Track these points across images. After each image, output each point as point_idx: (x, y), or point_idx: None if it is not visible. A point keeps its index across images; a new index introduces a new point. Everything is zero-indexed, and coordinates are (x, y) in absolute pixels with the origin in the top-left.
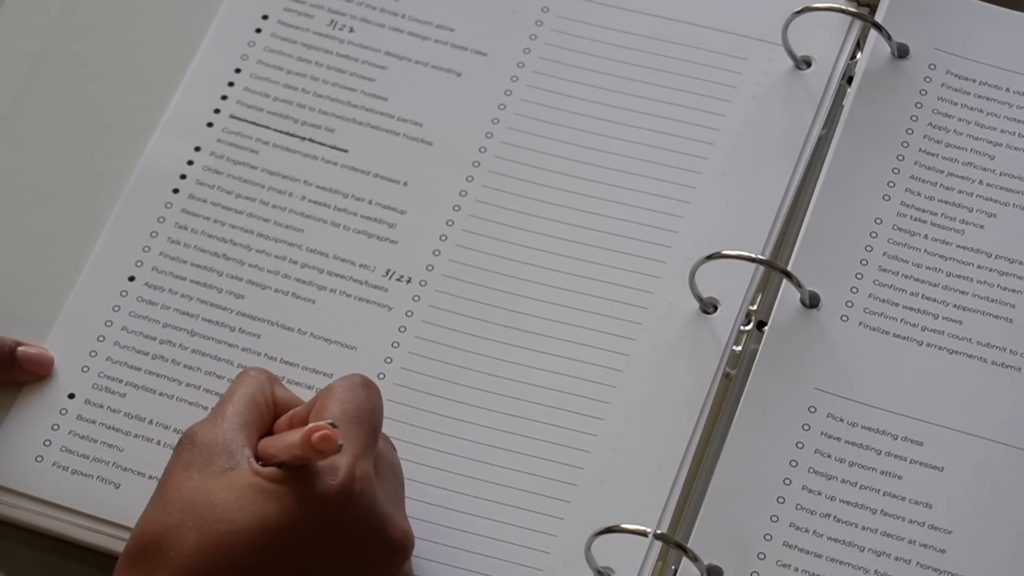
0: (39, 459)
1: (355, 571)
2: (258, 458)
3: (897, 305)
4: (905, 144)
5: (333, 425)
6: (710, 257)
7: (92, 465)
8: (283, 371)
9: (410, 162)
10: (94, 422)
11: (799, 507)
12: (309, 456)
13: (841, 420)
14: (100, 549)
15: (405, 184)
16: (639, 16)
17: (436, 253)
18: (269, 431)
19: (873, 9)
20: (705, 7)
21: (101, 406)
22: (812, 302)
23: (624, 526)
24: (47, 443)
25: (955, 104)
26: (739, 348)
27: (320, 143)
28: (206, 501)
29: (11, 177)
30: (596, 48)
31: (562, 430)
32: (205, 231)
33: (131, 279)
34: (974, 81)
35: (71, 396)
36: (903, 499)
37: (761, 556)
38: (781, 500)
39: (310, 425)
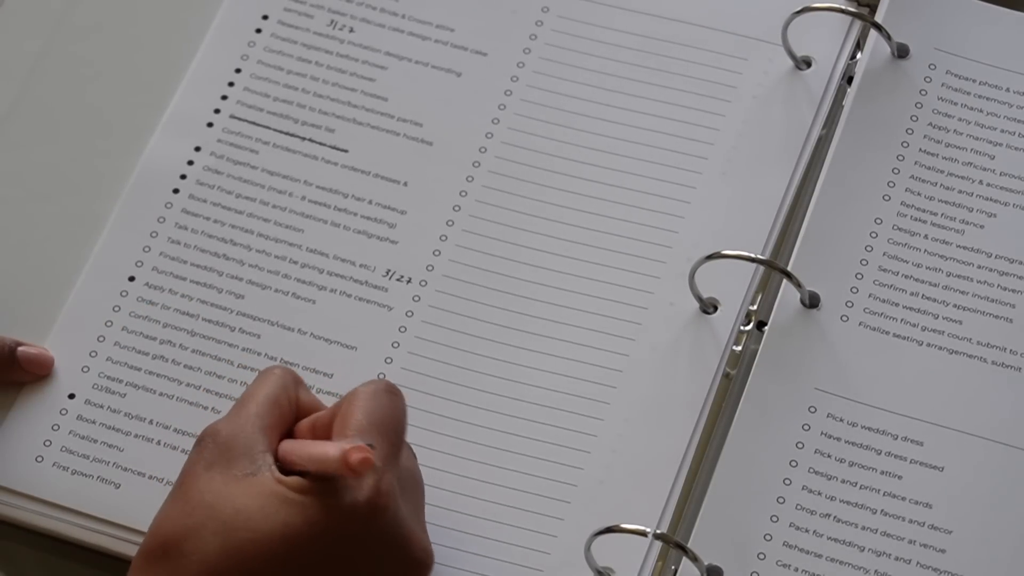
0: (39, 459)
1: None
2: (277, 461)
3: (897, 305)
4: (905, 144)
5: (371, 446)
6: (710, 257)
7: (92, 465)
8: None
9: (410, 162)
10: (94, 422)
11: (799, 507)
12: (344, 474)
13: (841, 420)
14: (100, 549)
15: (405, 184)
16: (639, 16)
17: (436, 253)
18: (289, 433)
19: (873, 9)
20: (705, 7)
21: (101, 406)
22: (812, 302)
23: (624, 526)
24: (47, 443)
25: (955, 104)
26: (739, 348)
27: (320, 143)
28: (229, 506)
29: (11, 177)
30: (596, 48)
31: (562, 430)
32: (205, 231)
33: (131, 279)
34: (974, 81)
35: (71, 396)
36: (903, 499)
37: (761, 556)
38: (781, 500)
39: (349, 445)
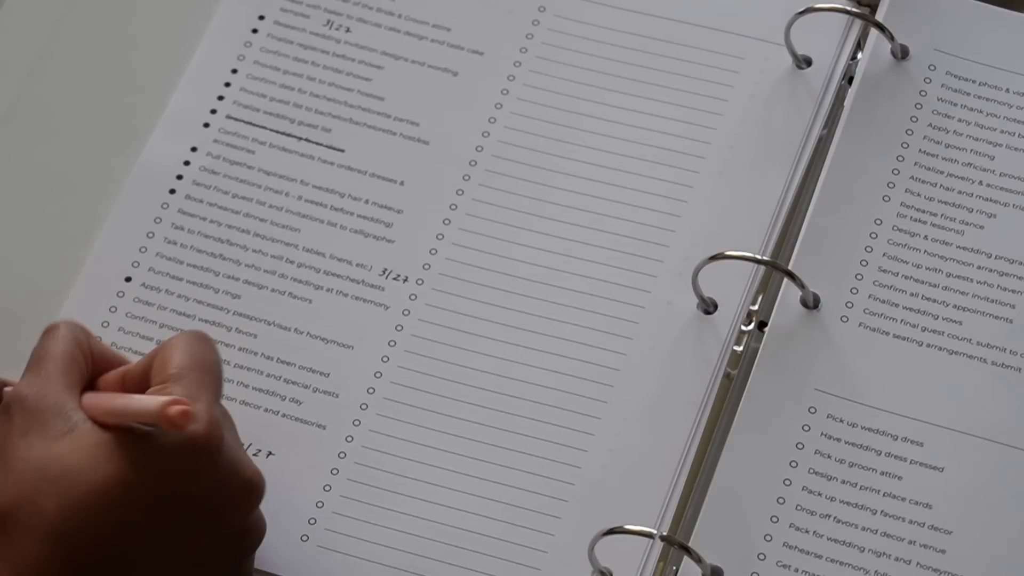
0: None
1: (216, 514)
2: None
3: (897, 306)
4: (905, 145)
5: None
6: (714, 258)
7: None
8: (280, 370)
9: (407, 161)
10: None
11: (799, 508)
12: (164, 428)
13: (841, 421)
14: None
15: (402, 183)
16: (635, 15)
17: (433, 252)
18: (91, 386)
19: (873, 10)
20: (702, 6)
21: None
22: (813, 303)
23: (629, 527)
24: None
25: (955, 105)
26: (740, 348)
27: (317, 143)
28: (56, 466)
29: (10, 177)
30: (593, 47)
31: (560, 429)
32: (201, 231)
33: (127, 280)
34: (974, 82)
35: None
36: (903, 500)
37: (761, 557)
38: (781, 501)
39: (168, 398)
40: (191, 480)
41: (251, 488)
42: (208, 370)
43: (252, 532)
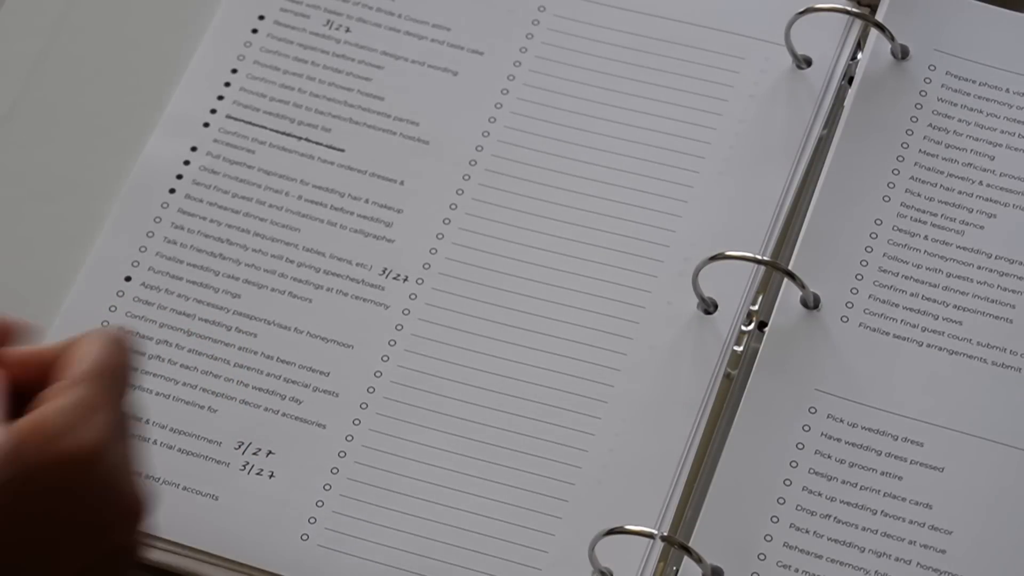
0: None
1: (98, 531)
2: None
3: (897, 306)
4: (905, 145)
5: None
6: (714, 258)
7: None
8: (280, 370)
9: (407, 161)
10: None
11: (799, 508)
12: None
13: (841, 421)
14: None
15: (402, 183)
16: (635, 15)
17: (433, 252)
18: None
19: (873, 10)
20: (702, 6)
21: None
22: (813, 303)
23: (630, 527)
24: None
25: (955, 105)
26: (740, 348)
27: (316, 143)
28: None
29: (10, 177)
30: (593, 47)
31: (560, 429)
32: (201, 231)
33: (127, 279)
34: (974, 82)
35: None
36: (903, 500)
37: (761, 557)
38: (781, 501)
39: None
40: (77, 492)
41: (139, 507)
42: (118, 378)
43: (129, 552)
